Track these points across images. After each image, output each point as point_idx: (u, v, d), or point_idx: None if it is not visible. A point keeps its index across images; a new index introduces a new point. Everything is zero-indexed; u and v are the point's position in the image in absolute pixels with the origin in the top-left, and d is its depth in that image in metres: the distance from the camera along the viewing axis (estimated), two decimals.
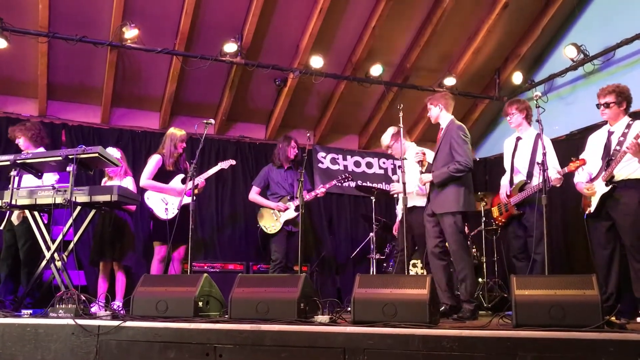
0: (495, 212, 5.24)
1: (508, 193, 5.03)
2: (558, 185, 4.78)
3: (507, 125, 5.21)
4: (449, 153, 4.65)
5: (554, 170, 4.69)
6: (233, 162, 6.13)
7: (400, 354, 3.04)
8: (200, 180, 5.63)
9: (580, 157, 4.62)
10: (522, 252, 4.90)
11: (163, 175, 5.64)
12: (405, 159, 5.39)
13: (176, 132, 5.73)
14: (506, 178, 5.16)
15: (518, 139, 5.09)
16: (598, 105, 4.63)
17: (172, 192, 5.58)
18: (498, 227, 5.46)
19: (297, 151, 6.30)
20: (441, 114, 4.88)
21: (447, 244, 4.81)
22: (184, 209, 5.41)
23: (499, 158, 5.32)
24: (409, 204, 5.27)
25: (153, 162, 5.64)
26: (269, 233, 6.11)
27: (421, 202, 5.15)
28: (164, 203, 5.55)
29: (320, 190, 6.24)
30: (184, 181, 5.63)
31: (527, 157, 4.95)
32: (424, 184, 4.84)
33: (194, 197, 4.86)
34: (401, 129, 4.93)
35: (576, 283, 3.22)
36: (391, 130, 5.64)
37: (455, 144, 4.62)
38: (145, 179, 5.56)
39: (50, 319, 3.67)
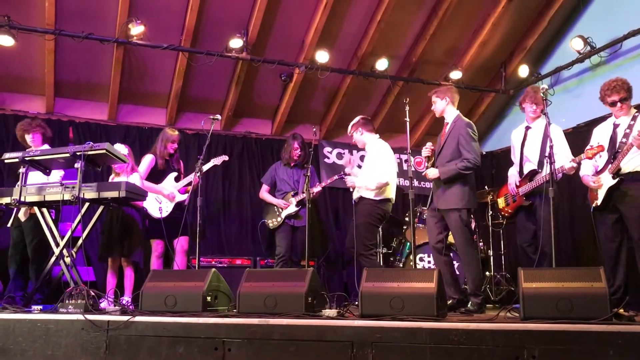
0: (501, 203, 5.18)
1: (517, 183, 4.97)
2: (572, 173, 4.69)
3: (513, 118, 5.21)
4: (455, 149, 4.63)
5: (567, 159, 4.60)
6: (226, 157, 6.15)
7: (408, 347, 3.05)
8: (192, 177, 5.66)
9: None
10: (530, 245, 4.83)
11: (156, 174, 5.74)
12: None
13: (168, 132, 5.84)
14: (515, 168, 5.11)
15: (527, 128, 5.04)
16: (614, 103, 4.53)
17: (162, 193, 5.65)
18: (504, 220, 5.41)
19: (300, 152, 6.23)
20: (447, 108, 4.86)
21: (450, 239, 4.81)
22: (178, 204, 5.57)
23: (506, 152, 5.30)
24: (356, 195, 5.36)
25: (146, 161, 5.74)
26: (272, 228, 6.18)
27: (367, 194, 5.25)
28: (158, 202, 5.65)
29: (317, 189, 6.06)
30: (177, 179, 5.75)
31: (537, 147, 4.89)
32: (430, 179, 4.81)
33: (199, 193, 4.90)
34: (407, 122, 4.85)
35: (584, 276, 3.22)
36: (355, 119, 5.60)
37: (464, 140, 4.59)
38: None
39: (60, 314, 3.70)
